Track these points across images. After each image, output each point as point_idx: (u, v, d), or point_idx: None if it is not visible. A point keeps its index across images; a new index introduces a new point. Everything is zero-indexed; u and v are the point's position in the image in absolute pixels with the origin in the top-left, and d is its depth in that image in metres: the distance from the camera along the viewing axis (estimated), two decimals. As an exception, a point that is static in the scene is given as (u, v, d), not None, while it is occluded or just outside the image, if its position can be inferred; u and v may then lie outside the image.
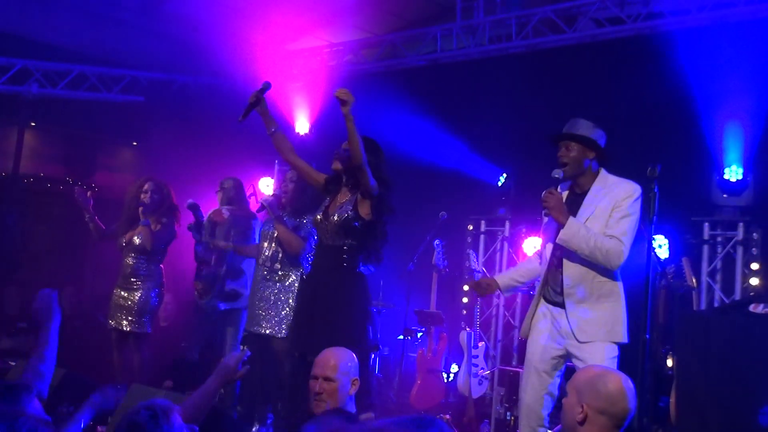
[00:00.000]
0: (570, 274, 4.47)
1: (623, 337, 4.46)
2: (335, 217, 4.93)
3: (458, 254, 8.41)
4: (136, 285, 6.70)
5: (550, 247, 4.62)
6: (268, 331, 5.93)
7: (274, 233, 6.07)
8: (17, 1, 8.69)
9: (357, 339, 4.81)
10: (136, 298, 6.66)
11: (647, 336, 4.13)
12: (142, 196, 6.72)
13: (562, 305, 4.51)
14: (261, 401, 6.10)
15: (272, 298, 5.99)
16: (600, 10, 7.98)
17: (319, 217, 5.05)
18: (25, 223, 10.10)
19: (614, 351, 4.43)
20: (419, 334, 7.88)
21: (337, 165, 5.01)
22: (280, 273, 6.02)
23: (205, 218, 6.99)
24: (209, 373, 3.61)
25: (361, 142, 4.74)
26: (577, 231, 4.34)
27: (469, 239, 8.81)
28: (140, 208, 6.68)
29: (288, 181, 6.08)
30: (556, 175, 4.47)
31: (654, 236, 4.37)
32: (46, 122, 10.29)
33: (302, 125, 9.46)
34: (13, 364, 6.32)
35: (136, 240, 6.70)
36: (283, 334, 5.87)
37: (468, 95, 8.47)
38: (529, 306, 4.83)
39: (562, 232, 4.37)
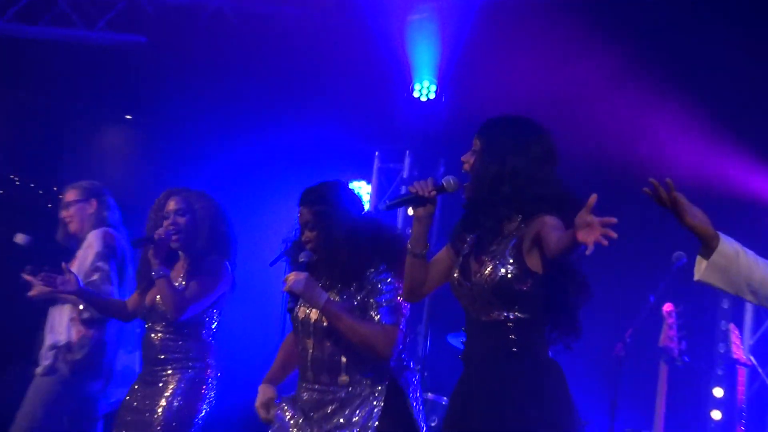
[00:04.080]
0: None
1: None
2: (483, 276, 3.24)
3: (706, 330, 5.39)
4: None
5: None
6: None
7: None
8: None
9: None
10: None
11: None
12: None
13: None
14: None
15: None
16: None
17: (456, 275, 3.41)
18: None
19: None
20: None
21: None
22: None
23: None
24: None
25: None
26: None
27: (726, 305, 5.43)
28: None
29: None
30: None
31: None
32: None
33: (425, 88, 6.75)
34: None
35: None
36: None
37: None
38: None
39: None
